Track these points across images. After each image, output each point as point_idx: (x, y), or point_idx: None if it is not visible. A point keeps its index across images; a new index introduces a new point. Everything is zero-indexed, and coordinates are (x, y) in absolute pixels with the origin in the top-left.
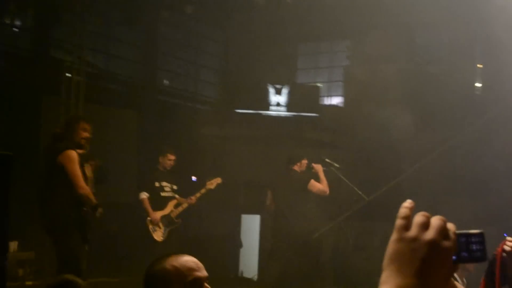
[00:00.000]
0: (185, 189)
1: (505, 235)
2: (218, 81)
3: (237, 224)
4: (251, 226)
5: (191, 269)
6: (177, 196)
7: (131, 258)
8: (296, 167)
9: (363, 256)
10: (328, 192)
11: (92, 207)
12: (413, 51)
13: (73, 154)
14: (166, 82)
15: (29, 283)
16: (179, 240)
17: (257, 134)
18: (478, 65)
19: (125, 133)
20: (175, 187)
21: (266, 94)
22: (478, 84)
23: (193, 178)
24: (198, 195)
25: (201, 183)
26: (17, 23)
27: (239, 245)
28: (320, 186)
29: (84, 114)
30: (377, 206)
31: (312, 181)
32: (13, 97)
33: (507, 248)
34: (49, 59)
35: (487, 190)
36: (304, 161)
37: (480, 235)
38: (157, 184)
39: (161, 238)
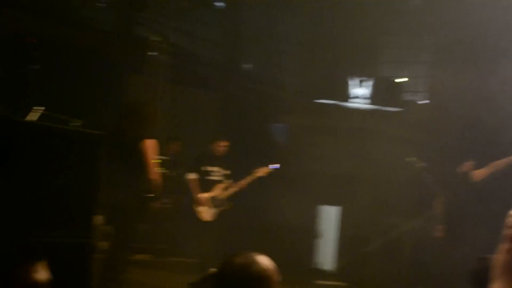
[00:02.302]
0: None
1: None
2: (301, 70)
3: (316, 215)
4: (330, 217)
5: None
6: (225, 180)
7: (181, 238)
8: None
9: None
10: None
11: (154, 196)
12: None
13: (153, 143)
14: (248, 66)
15: None
16: (251, 229)
17: (336, 126)
18: None
19: (205, 115)
20: (227, 172)
21: (347, 86)
22: None
23: (275, 165)
24: (246, 181)
25: (251, 171)
26: None
27: (317, 235)
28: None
29: (166, 94)
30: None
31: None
32: (98, 74)
33: None
34: (135, 37)
35: None
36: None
37: None
38: (207, 168)
39: (209, 218)
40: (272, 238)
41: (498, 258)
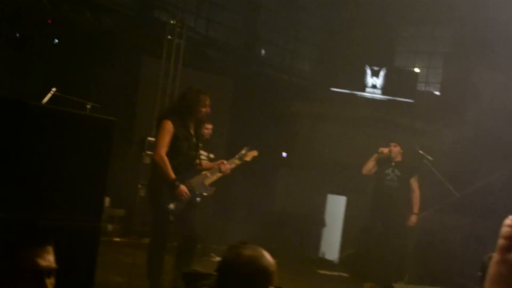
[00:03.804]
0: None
1: None
2: (316, 57)
3: (322, 204)
4: (336, 207)
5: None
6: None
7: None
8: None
9: (446, 252)
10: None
11: (168, 182)
12: None
13: (166, 124)
14: (263, 52)
15: (116, 239)
16: (256, 217)
17: (349, 115)
18: None
19: (219, 101)
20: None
21: (362, 75)
22: None
23: (284, 154)
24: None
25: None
26: None
27: (322, 225)
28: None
29: (181, 78)
30: (468, 202)
31: None
32: (114, 55)
33: None
34: (153, 20)
35: None
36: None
37: None
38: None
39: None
40: (278, 226)
41: (490, 269)
